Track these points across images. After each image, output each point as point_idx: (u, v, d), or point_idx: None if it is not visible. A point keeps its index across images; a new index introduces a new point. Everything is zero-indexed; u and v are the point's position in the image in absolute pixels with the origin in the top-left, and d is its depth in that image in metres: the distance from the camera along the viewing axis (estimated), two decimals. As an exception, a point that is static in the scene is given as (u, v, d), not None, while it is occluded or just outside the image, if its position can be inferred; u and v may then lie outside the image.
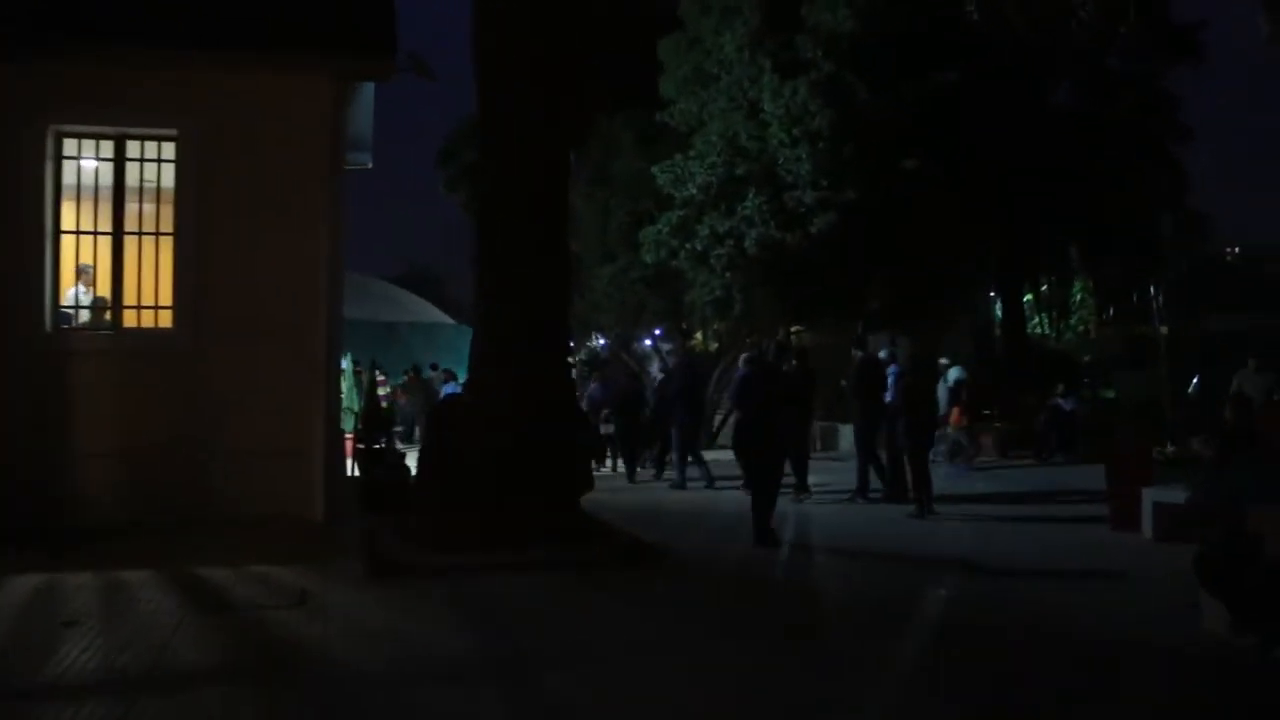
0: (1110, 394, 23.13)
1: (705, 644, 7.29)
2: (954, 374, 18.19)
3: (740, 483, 14.94)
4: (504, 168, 11.18)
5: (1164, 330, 24.24)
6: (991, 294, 31.17)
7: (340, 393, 21.67)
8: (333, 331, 12.48)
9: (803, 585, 9.72)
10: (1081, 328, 44.32)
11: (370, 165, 18.75)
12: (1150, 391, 20.44)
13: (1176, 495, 10.86)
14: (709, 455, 18.14)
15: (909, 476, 13.76)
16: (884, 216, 19.74)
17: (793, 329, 29.59)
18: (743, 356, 13.18)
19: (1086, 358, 34.89)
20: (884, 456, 15.07)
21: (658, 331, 30.09)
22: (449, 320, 41.96)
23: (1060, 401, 20.16)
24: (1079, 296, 42.76)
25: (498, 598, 8.75)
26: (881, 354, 16.46)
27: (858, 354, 15.65)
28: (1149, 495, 11.19)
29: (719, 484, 16.22)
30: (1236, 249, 75.32)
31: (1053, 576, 9.86)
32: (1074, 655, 7.10)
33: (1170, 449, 12.49)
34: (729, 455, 16.20)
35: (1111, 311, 31.57)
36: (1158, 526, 11.04)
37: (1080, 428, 20.03)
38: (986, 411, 24.20)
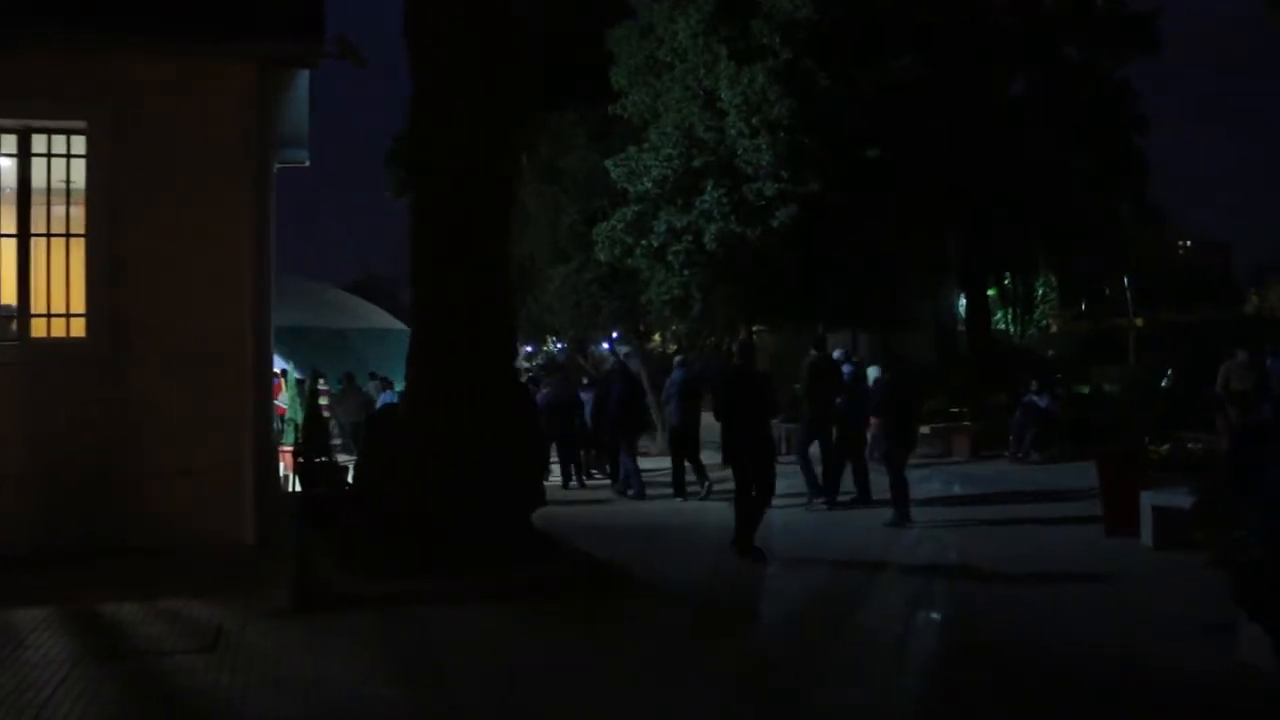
0: (1085, 389, 22.40)
1: (673, 693, 6.39)
2: (872, 372, 17.13)
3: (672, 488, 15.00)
4: (439, 141, 10.22)
5: (1139, 322, 23.66)
6: (956, 290, 30.56)
7: (276, 404, 20.54)
8: (261, 338, 11.46)
9: (781, 610, 8.82)
10: (1044, 323, 43.96)
11: (307, 163, 17.79)
12: (1129, 386, 19.72)
13: (1180, 498, 10.10)
14: (650, 463, 17.42)
15: (889, 483, 12.93)
16: (847, 209, 18.94)
17: (755, 329, 28.87)
18: (676, 359, 12.33)
19: (1050, 353, 34.45)
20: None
21: (615, 335, 29.21)
22: (401, 326, 40.99)
23: (1035, 398, 19.39)
24: (1040, 291, 42.40)
25: (437, 635, 7.79)
26: (836, 354, 15.68)
27: (812, 353, 14.91)
28: (1148, 499, 10.39)
29: (649, 494, 15.66)
30: (1188, 243, 75.96)
31: (1057, 592, 9.03)
32: (1097, 690, 6.26)
33: (1165, 447, 11.65)
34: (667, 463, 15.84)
35: (1084, 306, 30.92)
36: (1158, 532, 10.24)
37: (1056, 425, 19.28)
38: (955, 410, 23.55)
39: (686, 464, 15.37)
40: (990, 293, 34.21)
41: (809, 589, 9.44)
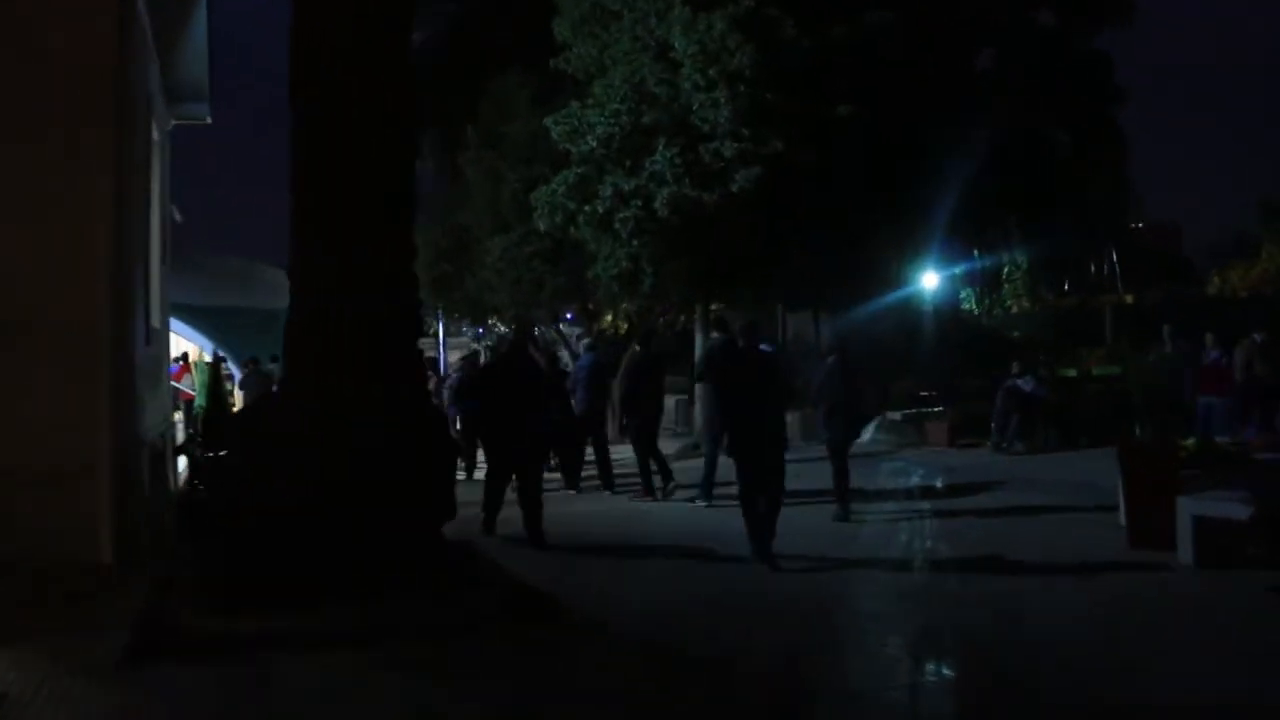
0: (1071, 372, 20.69)
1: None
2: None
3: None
4: (321, 67, 8.25)
5: (1129, 299, 22.01)
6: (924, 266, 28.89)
7: (181, 389, 18.56)
8: (123, 320, 9.44)
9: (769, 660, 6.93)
10: (1008, 303, 42.43)
11: (209, 120, 15.82)
12: (1140, 369, 17.98)
13: (1228, 506, 8.32)
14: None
15: (833, 471, 11.79)
16: (814, 172, 17.03)
17: (712, 306, 26.98)
18: (584, 343, 10.64)
19: (1015, 333, 32.95)
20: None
21: (569, 315, 27.26)
22: None
23: (1019, 382, 17.61)
24: (1006, 270, 40.88)
25: (289, 702, 5.85)
26: (715, 338, 13.90)
27: (714, 335, 13.48)
28: (1187, 506, 8.56)
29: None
30: (1139, 224, 75.14)
31: (1096, 636, 7.04)
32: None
33: (1190, 442, 9.85)
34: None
35: (1066, 285, 29.33)
36: (1202, 548, 8.43)
37: (1041, 412, 17.54)
38: (925, 393, 21.86)
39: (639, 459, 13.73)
40: (957, 271, 32.81)
41: (805, 616, 7.54)
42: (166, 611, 7.56)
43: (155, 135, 13.19)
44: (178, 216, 26.17)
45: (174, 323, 32.74)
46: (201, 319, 32.29)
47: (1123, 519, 9.72)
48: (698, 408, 15.33)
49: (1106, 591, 8.07)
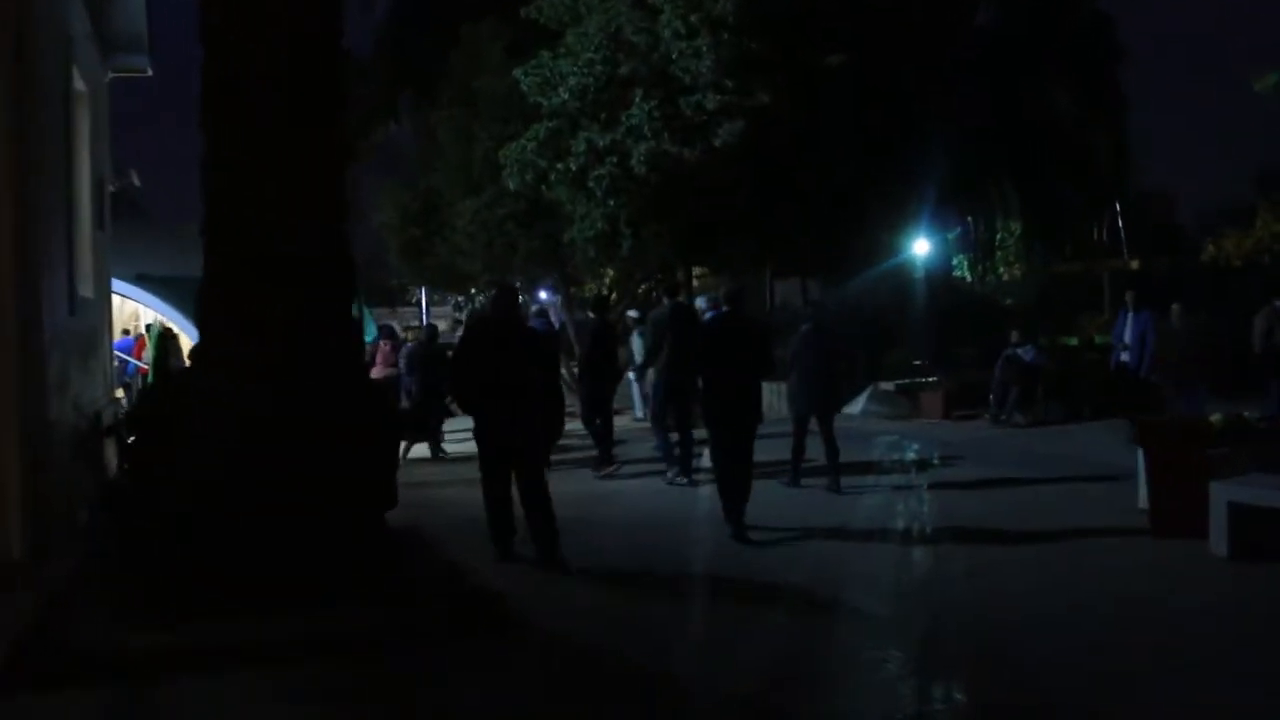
0: (1073, 341, 19.72)
1: None
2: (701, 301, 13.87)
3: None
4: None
5: (1134, 265, 21.02)
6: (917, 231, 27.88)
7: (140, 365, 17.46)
8: (32, 291, 8.37)
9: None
10: (999, 270, 41.36)
11: (148, 71, 14.68)
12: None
13: (1269, 493, 7.35)
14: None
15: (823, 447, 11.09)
16: (803, 127, 15.96)
17: (695, 272, 25.91)
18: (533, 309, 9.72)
19: (1008, 300, 32.00)
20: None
21: (546, 287, 26.13)
22: None
23: (1018, 351, 16.63)
24: (999, 236, 39.81)
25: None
26: (699, 302, 13.11)
27: (665, 302, 12.43)
28: (1221, 492, 7.57)
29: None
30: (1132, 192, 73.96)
31: (1129, 651, 6.02)
32: None
33: (1217, 418, 8.85)
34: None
35: (1067, 250, 28.31)
36: (1237, 539, 7.46)
37: (1041, 382, 16.56)
38: (918, 363, 20.90)
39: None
40: (949, 237, 31.81)
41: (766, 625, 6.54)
42: (54, 623, 6.57)
43: (81, 86, 12.07)
44: (136, 180, 25.14)
45: (142, 294, 31.78)
46: (171, 289, 31.23)
47: (1142, 502, 8.76)
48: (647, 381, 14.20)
49: (1133, 589, 7.08)
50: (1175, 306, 14.00)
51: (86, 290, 11.64)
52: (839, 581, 7.41)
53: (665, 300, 12.35)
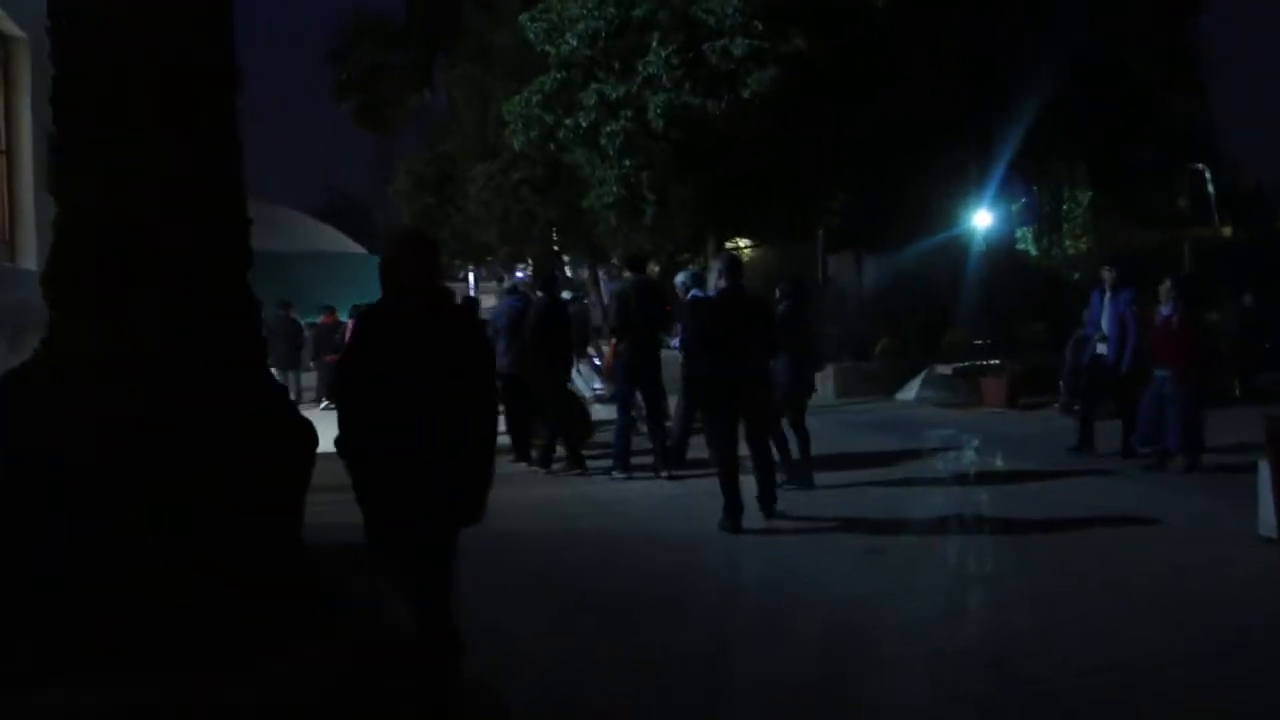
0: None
1: None
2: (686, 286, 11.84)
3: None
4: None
5: (1226, 232, 18.86)
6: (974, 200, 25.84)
7: None
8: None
9: None
10: (1067, 243, 39.16)
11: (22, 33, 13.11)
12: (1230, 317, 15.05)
13: None
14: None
15: (793, 439, 9.82)
16: (843, 76, 14.04)
17: (740, 244, 24.05)
18: (505, 285, 8.12)
19: (1075, 276, 29.89)
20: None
21: (565, 258, 24.42)
22: (357, 250, 37.43)
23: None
24: (1066, 207, 37.66)
25: None
26: (680, 278, 11.37)
27: (627, 275, 11.52)
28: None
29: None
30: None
31: None
32: None
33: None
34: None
35: (1146, 217, 26.22)
36: None
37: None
38: (979, 342, 18.98)
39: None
40: (1013, 208, 29.80)
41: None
42: None
43: (18, 32, 10.59)
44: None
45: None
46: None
47: (1271, 528, 6.88)
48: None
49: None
50: (1165, 284, 10.58)
51: (30, 263, 10.45)
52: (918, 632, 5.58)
53: (627, 273, 11.10)
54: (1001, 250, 25.84)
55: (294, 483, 6.09)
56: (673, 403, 11.89)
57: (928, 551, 7.38)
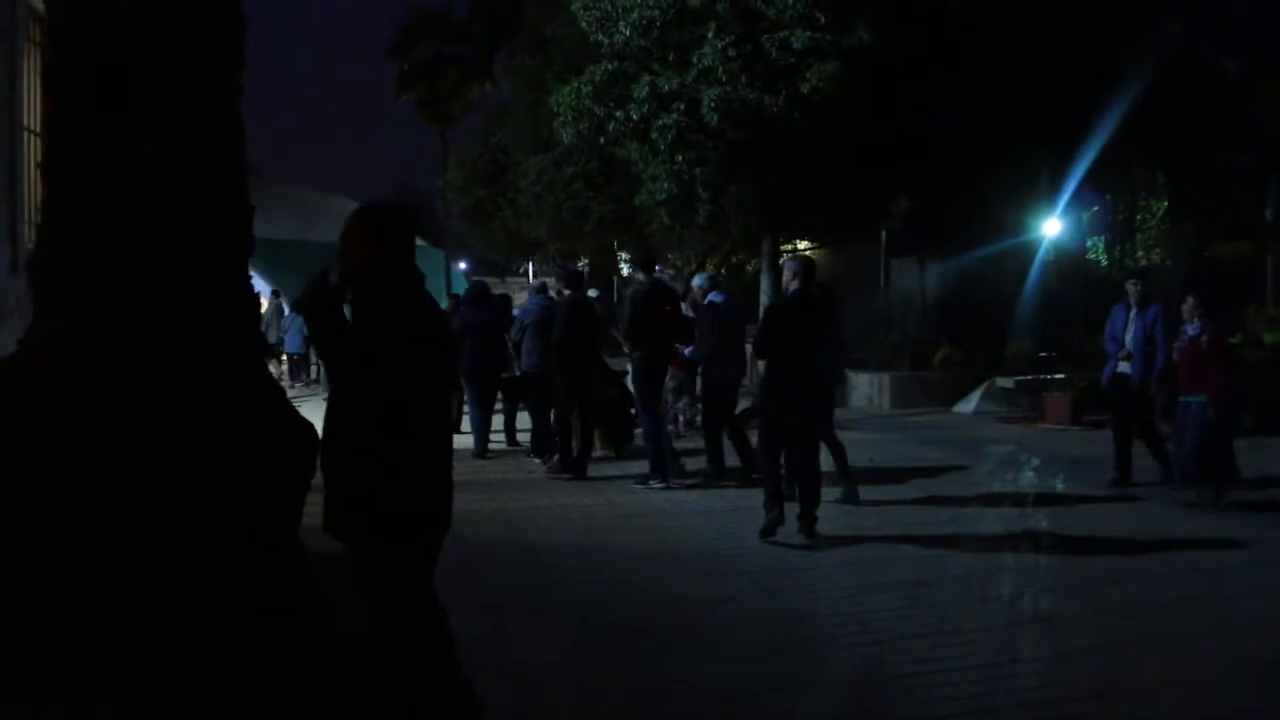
0: (1236, 339, 16.74)
1: None
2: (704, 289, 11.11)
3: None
4: None
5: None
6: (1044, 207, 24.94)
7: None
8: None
9: None
10: (1140, 254, 38.00)
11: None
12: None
13: None
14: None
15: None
16: (912, 72, 13.38)
17: (804, 247, 23.40)
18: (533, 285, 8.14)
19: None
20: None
21: (624, 256, 23.87)
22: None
23: (1165, 347, 13.79)
24: (1139, 216, 36.52)
25: None
26: (697, 282, 11.25)
27: (640, 279, 10.95)
28: None
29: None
30: None
31: None
32: None
33: None
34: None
35: (1220, 232, 25.20)
36: None
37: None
38: (1044, 355, 18.24)
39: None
40: (1083, 216, 28.85)
41: None
42: None
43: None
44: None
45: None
46: (256, 252, 30.01)
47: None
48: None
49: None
50: (1188, 301, 9.54)
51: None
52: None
53: (640, 276, 10.65)
54: (1071, 260, 25.01)
55: (289, 485, 5.65)
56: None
57: (980, 586, 6.76)
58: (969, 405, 16.50)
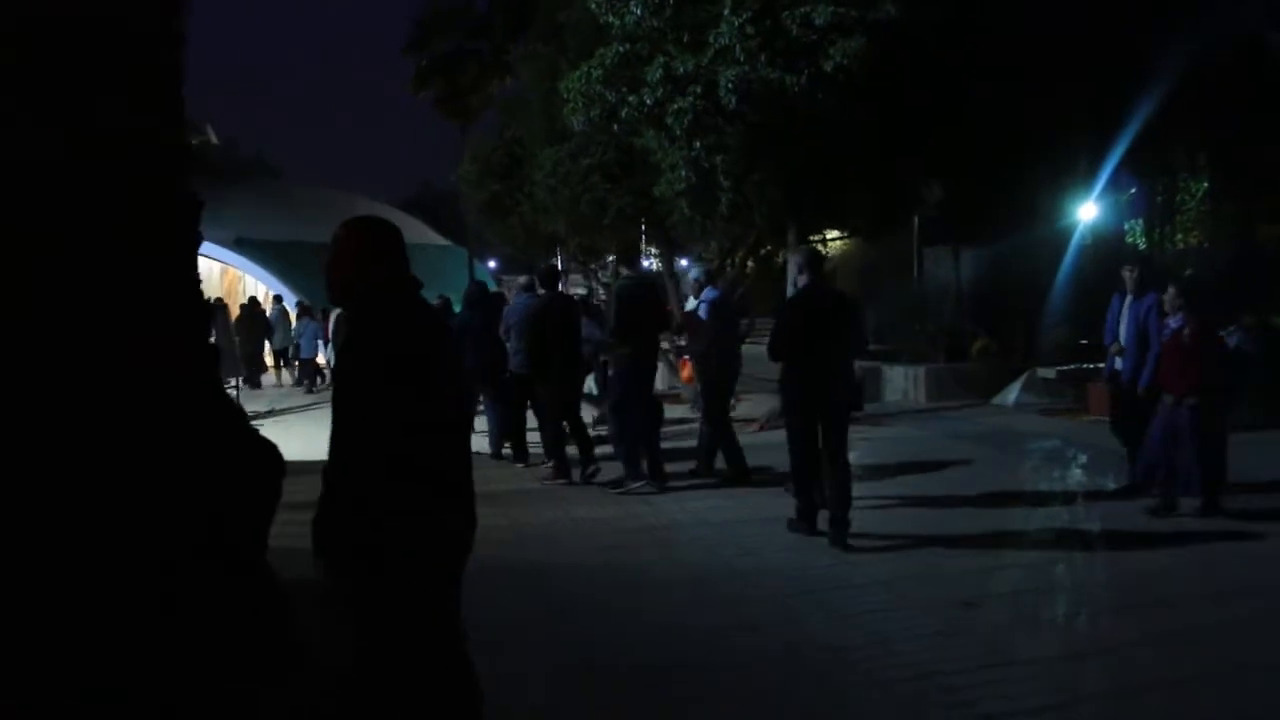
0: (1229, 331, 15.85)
1: None
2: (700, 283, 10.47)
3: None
4: None
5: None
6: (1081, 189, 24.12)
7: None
8: None
9: None
10: (1180, 237, 37.03)
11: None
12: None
13: None
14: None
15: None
16: (943, 50, 12.63)
17: (828, 236, 22.70)
18: (521, 280, 9.40)
19: (1187, 272, 27.94)
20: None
21: (653, 250, 23.09)
22: (439, 241, 37.06)
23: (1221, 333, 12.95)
24: (1179, 197, 35.58)
25: None
26: (694, 273, 11.01)
27: (623, 273, 10.98)
28: None
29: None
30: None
31: None
32: None
33: None
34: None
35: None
36: None
37: (1247, 376, 12.87)
38: (1085, 342, 17.44)
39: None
40: (1121, 199, 28.03)
41: None
42: None
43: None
44: (213, 137, 22.94)
45: (239, 259, 30.04)
46: (276, 254, 29.73)
47: None
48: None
49: None
50: (1170, 290, 8.62)
51: None
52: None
53: (624, 270, 10.51)
54: (1108, 243, 24.26)
55: (248, 511, 5.01)
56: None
57: (1032, 607, 6.05)
58: (1009, 397, 15.77)
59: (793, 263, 8.15)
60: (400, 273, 3.62)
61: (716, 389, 10.02)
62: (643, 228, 18.84)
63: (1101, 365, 15.15)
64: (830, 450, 7.54)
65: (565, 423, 10.33)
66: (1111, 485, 9.43)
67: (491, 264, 43.58)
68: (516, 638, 5.61)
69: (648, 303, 9.82)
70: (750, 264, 18.71)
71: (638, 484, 9.53)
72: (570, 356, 10.14)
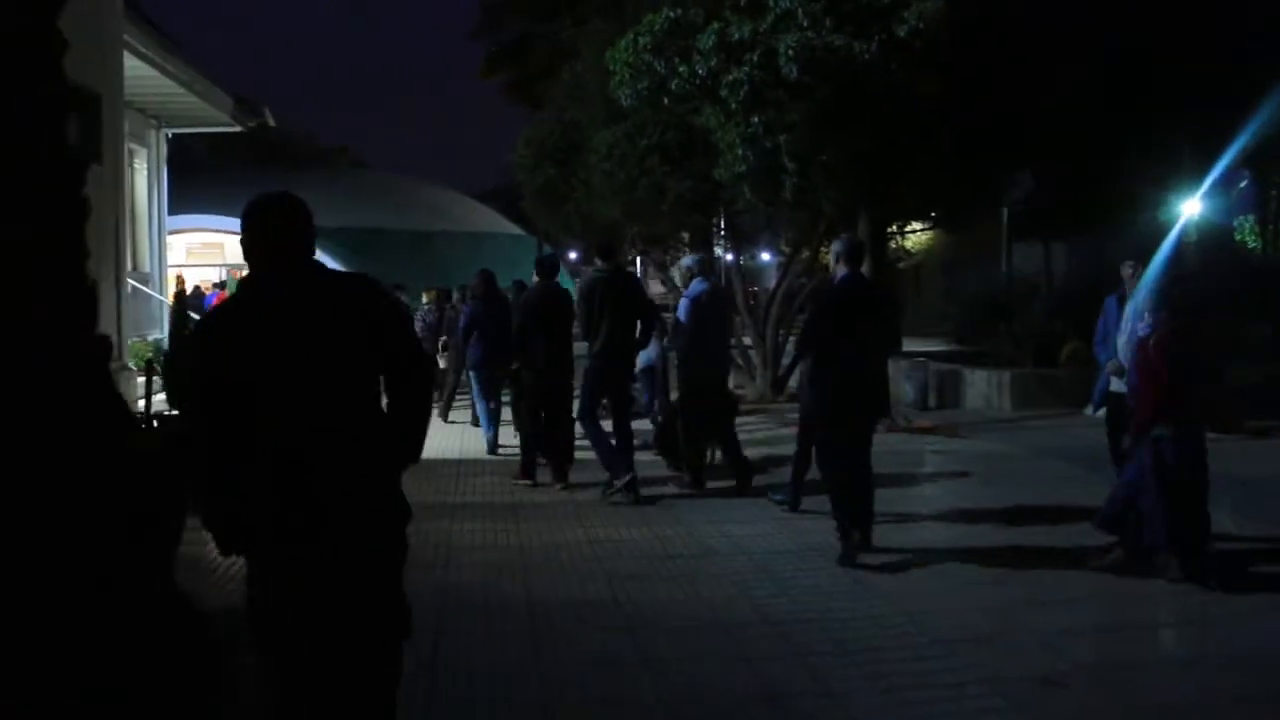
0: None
1: None
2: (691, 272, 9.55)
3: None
4: None
5: None
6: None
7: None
8: None
9: None
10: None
11: None
12: None
13: None
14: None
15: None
16: (1037, 16, 11.30)
17: (899, 228, 21.32)
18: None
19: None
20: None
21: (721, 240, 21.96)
22: (510, 230, 36.73)
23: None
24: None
25: None
26: (686, 262, 10.82)
27: (597, 264, 9.75)
28: None
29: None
30: None
31: None
32: None
33: None
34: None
35: None
36: None
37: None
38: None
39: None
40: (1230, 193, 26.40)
41: None
42: None
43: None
44: (270, 120, 22.14)
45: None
46: (335, 241, 29.29)
47: None
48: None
49: None
50: (1126, 267, 7.90)
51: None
52: None
53: (598, 262, 9.62)
54: (1215, 240, 22.64)
55: (143, 530, 3.98)
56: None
57: (1132, 689, 4.76)
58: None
59: (832, 253, 7.53)
60: (256, 251, 3.33)
61: (694, 391, 9.29)
62: (713, 218, 17.74)
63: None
64: (860, 455, 7.08)
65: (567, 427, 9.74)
66: (1227, 522, 7.83)
67: (572, 255, 42.76)
68: (502, 714, 4.46)
69: (614, 300, 9.04)
70: (822, 253, 17.45)
71: (621, 481, 8.81)
72: (557, 351, 9.41)
